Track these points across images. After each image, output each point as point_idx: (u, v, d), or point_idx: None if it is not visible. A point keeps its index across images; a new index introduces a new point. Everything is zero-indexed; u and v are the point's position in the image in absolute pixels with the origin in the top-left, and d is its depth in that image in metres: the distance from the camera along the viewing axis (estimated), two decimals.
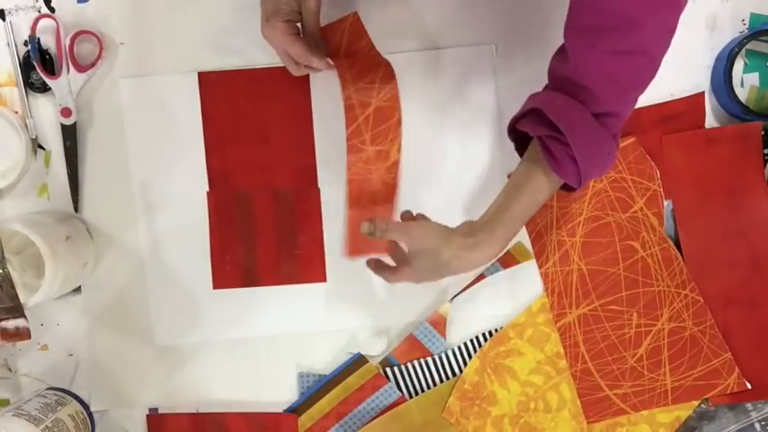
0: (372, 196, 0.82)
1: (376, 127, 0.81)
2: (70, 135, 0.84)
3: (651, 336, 0.83)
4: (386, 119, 0.81)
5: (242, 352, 0.86)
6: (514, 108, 0.84)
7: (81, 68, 0.83)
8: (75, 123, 0.84)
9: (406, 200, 0.85)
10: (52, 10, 0.84)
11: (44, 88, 0.84)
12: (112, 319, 0.86)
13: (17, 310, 0.75)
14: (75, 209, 0.85)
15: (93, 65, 0.83)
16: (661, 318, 0.83)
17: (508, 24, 0.84)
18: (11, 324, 0.75)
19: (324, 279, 0.85)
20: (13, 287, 0.74)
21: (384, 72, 0.81)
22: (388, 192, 0.83)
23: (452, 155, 0.85)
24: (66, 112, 0.83)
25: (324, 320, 0.86)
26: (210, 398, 0.86)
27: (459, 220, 0.84)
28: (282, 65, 0.83)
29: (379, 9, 0.84)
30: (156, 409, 0.86)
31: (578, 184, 0.67)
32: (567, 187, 0.70)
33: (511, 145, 0.84)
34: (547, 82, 0.70)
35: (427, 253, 0.70)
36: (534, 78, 0.84)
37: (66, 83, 0.83)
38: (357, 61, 0.81)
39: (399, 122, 0.82)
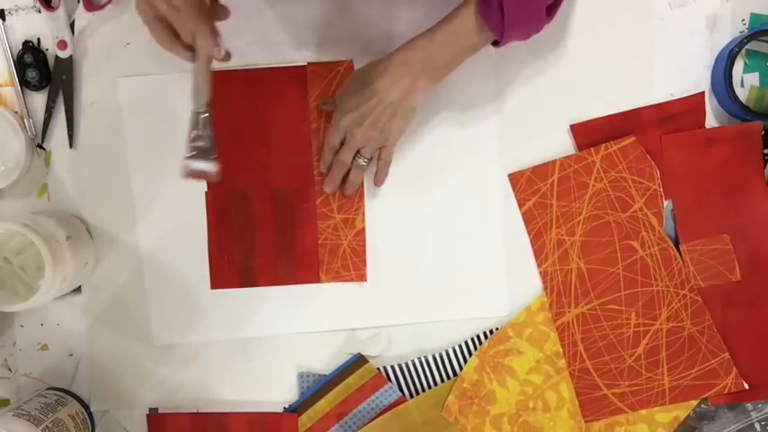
0: (343, 261, 0.85)
1: (342, 198, 0.85)
2: (66, 68, 0.84)
3: (649, 335, 0.84)
4: None
5: (242, 352, 0.86)
6: (514, 108, 0.85)
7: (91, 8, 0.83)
8: (70, 56, 0.84)
9: (405, 198, 0.85)
10: (51, 10, 0.83)
11: (40, 86, 0.84)
12: (112, 319, 0.86)
13: (210, 152, 0.73)
14: (70, 144, 0.85)
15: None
16: (659, 317, 0.83)
17: None
18: (199, 165, 0.73)
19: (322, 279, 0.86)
20: (212, 130, 0.72)
21: None
22: (358, 258, 0.85)
23: (452, 155, 0.85)
24: (62, 44, 0.83)
25: (323, 321, 0.86)
26: (210, 398, 0.86)
27: (458, 219, 0.85)
28: (282, 65, 0.84)
29: (380, 11, 0.83)
30: (156, 409, 0.86)
31: (500, 34, 0.70)
32: (494, 43, 0.73)
33: (511, 145, 0.85)
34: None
35: (355, 85, 0.76)
36: (534, 78, 0.85)
37: (64, 14, 0.83)
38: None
39: (362, 196, 0.84)
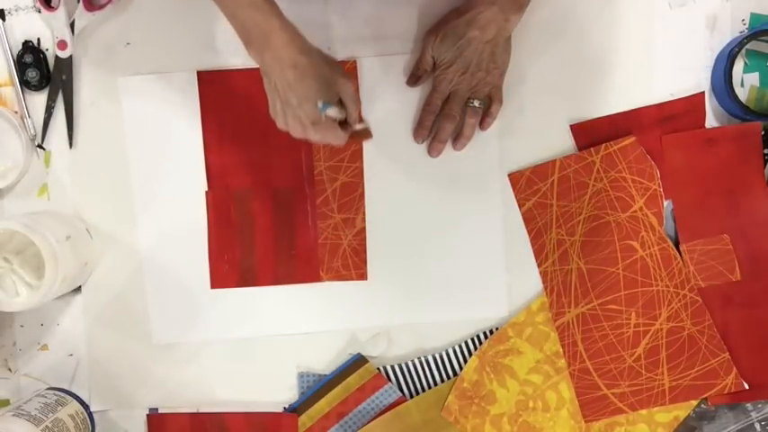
0: (344, 260, 0.85)
1: (342, 198, 0.85)
2: (66, 68, 0.84)
3: (649, 335, 0.84)
4: (351, 192, 0.85)
5: (242, 352, 0.86)
6: (514, 108, 0.84)
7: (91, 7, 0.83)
8: (70, 56, 0.84)
9: (405, 198, 0.85)
10: (51, 10, 0.83)
11: (40, 86, 0.84)
12: (112, 319, 0.86)
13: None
14: (70, 144, 0.85)
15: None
16: (659, 317, 0.83)
17: None
18: (358, 126, 0.76)
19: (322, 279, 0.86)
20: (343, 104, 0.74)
21: (353, 151, 0.85)
22: (359, 257, 0.85)
23: (452, 154, 0.85)
24: (62, 44, 0.83)
25: (323, 320, 0.86)
26: (210, 398, 0.86)
27: (458, 219, 0.85)
28: None
29: (381, 11, 0.83)
30: (156, 409, 0.86)
31: None
32: None
33: (511, 145, 0.85)
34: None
35: (449, 41, 0.78)
36: (534, 78, 0.85)
37: (64, 15, 0.83)
38: None
39: (363, 195, 0.85)
